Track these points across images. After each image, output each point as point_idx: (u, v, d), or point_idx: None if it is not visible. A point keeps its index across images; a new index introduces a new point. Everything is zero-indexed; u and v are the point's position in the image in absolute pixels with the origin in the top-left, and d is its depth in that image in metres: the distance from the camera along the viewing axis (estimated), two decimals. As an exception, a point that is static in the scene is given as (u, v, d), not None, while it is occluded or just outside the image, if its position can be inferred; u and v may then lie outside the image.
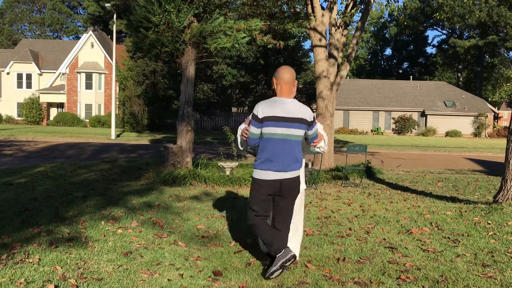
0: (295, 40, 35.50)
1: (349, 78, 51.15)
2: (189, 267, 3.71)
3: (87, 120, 36.30)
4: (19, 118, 38.44)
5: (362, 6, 11.50)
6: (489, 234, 4.82)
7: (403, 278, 3.53)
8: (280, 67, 3.63)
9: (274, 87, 3.56)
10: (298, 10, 11.04)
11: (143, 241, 4.36)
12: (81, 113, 36.89)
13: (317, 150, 3.85)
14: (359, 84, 44.35)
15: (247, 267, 3.75)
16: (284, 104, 3.47)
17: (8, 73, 38.48)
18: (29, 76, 38.70)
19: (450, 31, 56.49)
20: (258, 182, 3.55)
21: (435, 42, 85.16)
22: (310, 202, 6.78)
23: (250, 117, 3.59)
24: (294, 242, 3.86)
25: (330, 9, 10.95)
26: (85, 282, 3.28)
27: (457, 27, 52.46)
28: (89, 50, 37.11)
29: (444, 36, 58.92)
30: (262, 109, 3.44)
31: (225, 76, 34.84)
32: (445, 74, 62.02)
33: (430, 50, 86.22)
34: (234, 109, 43.85)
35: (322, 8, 11.13)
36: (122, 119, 31.68)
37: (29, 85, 38.72)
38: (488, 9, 40.22)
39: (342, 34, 11.26)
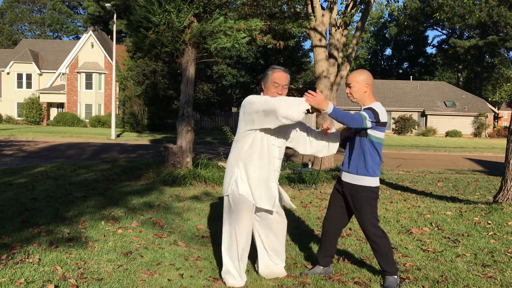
0: (295, 40, 35.48)
1: (349, 78, 51.05)
2: (189, 267, 3.71)
3: (87, 120, 36.30)
4: (19, 118, 38.44)
5: (362, 6, 11.50)
6: (489, 234, 4.82)
7: (403, 278, 3.53)
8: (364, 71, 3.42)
9: (366, 91, 3.35)
10: (298, 10, 11.03)
11: (143, 241, 4.36)
12: (81, 113, 36.89)
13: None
14: (359, 84, 44.26)
15: (247, 267, 3.75)
16: None
17: (8, 73, 38.48)
18: (29, 76, 38.71)
19: (450, 31, 56.51)
20: (377, 191, 3.40)
21: (435, 42, 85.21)
22: (310, 202, 6.78)
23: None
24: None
25: (330, 9, 10.95)
26: (85, 282, 3.28)
27: (457, 27, 52.47)
28: (89, 50, 37.10)
29: (444, 36, 58.99)
30: (385, 113, 3.30)
31: (225, 76, 34.87)
32: (445, 74, 62.02)
33: (430, 50, 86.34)
34: (234, 109, 43.85)
35: (322, 8, 11.13)
36: (122, 119, 31.67)
37: (29, 85, 38.73)
38: (488, 9, 40.21)
39: (342, 34, 11.26)
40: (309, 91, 3.16)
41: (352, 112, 3.59)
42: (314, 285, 3.40)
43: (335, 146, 3.57)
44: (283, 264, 3.60)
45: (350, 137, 3.45)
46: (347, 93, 3.41)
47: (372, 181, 3.33)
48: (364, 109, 3.31)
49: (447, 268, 3.77)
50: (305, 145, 3.54)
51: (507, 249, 4.31)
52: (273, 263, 3.54)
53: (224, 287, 3.34)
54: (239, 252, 3.33)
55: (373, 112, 3.23)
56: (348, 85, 3.39)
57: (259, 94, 3.43)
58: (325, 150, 3.56)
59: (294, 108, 3.05)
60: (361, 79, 3.34)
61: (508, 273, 3.67)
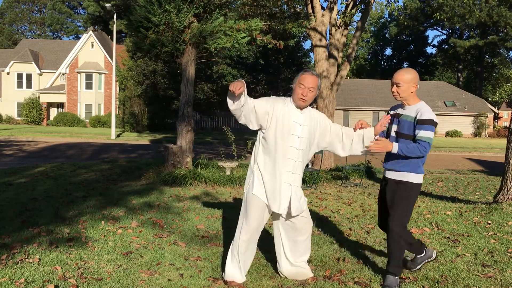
0: (295, 40, 35.49)
1: (349, 78, 51.16)
2: (189, 267, 3.72)
3: (87, 120, 36.31)
4: (19, 118, 38.44)
5: (362, 6, 11.50)
6: (489, 234, 4.82)
7: (403, 278, 3.53)
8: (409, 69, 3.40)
9: (413, 91, 3.34)
10: (298, 10, 11.03)
11: (143, 241, 4.36)
12: (81, 113, 36.89)
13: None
14: (359, 84, 44.32)
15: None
16: None
17: (8, 73, 38.48)
18: (29, 76, 38.70)
19: (450, 31, 56.48)
20: (419, 188, 3.40)
21: (435, 42, 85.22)
22: (310, 202, 6.78)
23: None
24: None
25: (330, 9, 10.95)
26: (85, 282, 3.28)
27: (457, 27, 52.46)
28: (89, 50, 37.11)
29: (444, 36, 58.97)
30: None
31: (225, 76, 34.83)
32: (445, 74, 61.99)
33: (430, 50, 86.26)
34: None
35: (322, 8, 11.12)
36: (122, 119, 31.67)
37: (29, 85, 38.72)
38: (488, 9, 40.20)
39: (342, 34, 11.26)
40: (371, 140, 3.28)
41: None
42: (314, 285, 3.40)
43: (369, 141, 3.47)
44: (306, 264, 3.57)
45: (394, 136, 3.44)
46: (393, 91, 3.37)
47: (417, 178, 3.34)
48: (423, 123, 3.23)
49: (447, 268, 3.77)
50: (343, 147, 3.49)
51: (507, 249, 4.31)
52: (292, 265, 3.51)
53: (224, 287, 3.34)
54: (240, 246, 3.35)
55: (434, 126, 3.25)
56: (396, 84, 3.34)
57: (259, 94, 3.45)
58: (359, 150, 3.47)
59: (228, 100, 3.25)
60: (410, 78, 3.31)
61: (508, 273, 3.67)
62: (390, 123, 3.51)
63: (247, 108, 3.24)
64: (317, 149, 3.52)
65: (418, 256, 3.67)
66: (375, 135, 3.40)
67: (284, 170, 3.28)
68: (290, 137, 3.29)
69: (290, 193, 3.31)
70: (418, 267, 3.69)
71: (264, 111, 3.28)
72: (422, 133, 3.22)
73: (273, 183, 3.29)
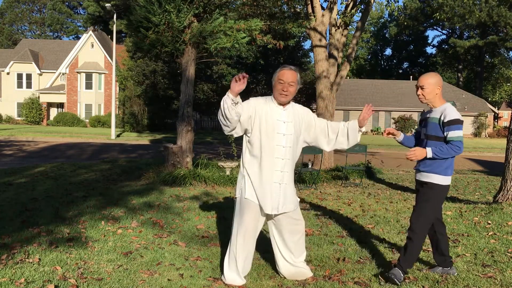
0: (295, 40, 35.50)
1: (349, 78, 51.16)
2: (189, 267, 3.72)
3: (87, 120, 36.32)
4: (19, 118, 38.45)
5: (362, 6, 11.50)
6: (489, 234, 4.82)
7: (404, 278, 3.53)
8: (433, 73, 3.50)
9: (438, 93, 3.43)
10: (298, 10, 11.03)
11: (143, 241, 4.36)
12: (81, 113, 36.90)
13: None
14: (359, 84, 44.34)
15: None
16: None
17: (8, 73, 38.48)
18: (29, 76, 38.71)
19: (450, 31, 56.50)
20: (446, 189, 3.44)
21: (435, 42, 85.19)
22: (310, 202, 6.78)
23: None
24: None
25: (330, 9, 10.95)
26: (85, 282, 3.28)
27: (457, 27, 52.48)
28: (89, 50, 37.11)
29: (444, 36, 59.00)
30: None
31: (225, 76, 34.83)
32: (445, 74, 62.00)
33: (430, 50, 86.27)
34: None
35: (322, 8, 11.12)
36: (122, 119, 31.68)
37: (29, 85, 38.73)
38: (488, 9, 40.20)
39: (342, 34, 11.25)
40: (407, 153, 3.36)
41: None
42: (314, 285, 3.40)
43: (354, 138, 3.46)
44: (304, 264, 3.57)
45: (425, 139, 3.51)
46: (419, 94, 3.47)
47: (441, 179, 3.37)
48: (450, 123, 3.31)
49: (447, 268, 3.76)
50: (328, 142, 3.51)
51: (507, 249, 4.31)
52: (290, 265, 3.50)
53: (224, 287, 3.34)
54: (237, 251, 3.33)
55: (461, 124, 3.33)
56: (420, 87, 3.44)
57: (259, 94, 3.44)
58: (345, 143, 3.48)
59: (220, 111, 3.21)
60: (434, 81, 3.42)
61: (508, 273, 3.67)
62: (420, 127, 3.62)
63: (236, 119, 3.21)
64: (303, 145, 3.51)
65: (441, 268, 3.67)
66: (360, 127, 3.44)
67: (273, 169, 3.27)
68: (275, 136, 3.27)
69: (280, 192, 3.30)
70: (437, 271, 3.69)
71: (247, 115, 3.27)
72: (451, 134, 3.31)
73: (262, 184, 3.27)
